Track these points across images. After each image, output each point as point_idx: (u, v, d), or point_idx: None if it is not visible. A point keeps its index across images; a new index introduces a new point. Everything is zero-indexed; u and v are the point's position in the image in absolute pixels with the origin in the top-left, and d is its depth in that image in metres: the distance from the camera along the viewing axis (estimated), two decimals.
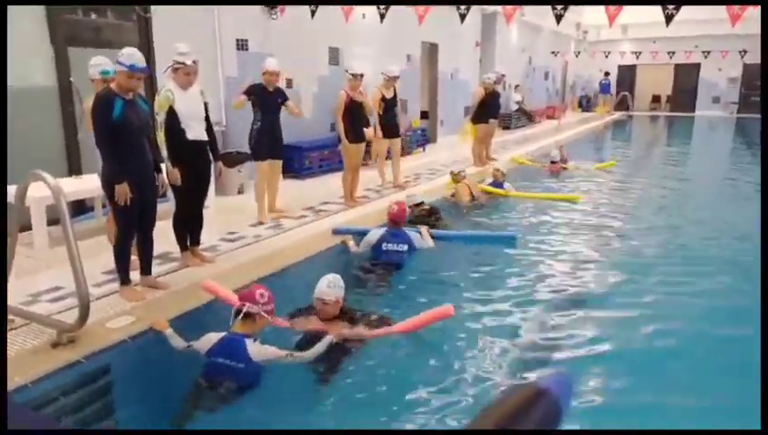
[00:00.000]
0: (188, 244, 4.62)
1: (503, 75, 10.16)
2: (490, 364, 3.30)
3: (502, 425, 0.90)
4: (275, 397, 2.94)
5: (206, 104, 4.47)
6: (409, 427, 2.75)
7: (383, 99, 7.51)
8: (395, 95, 7.65)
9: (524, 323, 3.85)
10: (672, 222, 6.63)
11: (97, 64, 4.51)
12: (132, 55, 3.66)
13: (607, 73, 23.72)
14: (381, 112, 7.54)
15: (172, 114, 4.24)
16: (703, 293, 4.37)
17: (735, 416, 2.66)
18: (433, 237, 5.23)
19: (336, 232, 5.61)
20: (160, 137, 4.19)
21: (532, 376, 3.14)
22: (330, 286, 3.46)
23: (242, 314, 3.02)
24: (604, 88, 23.63)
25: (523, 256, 5.25)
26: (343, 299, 3.54)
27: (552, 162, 9.83)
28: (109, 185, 3.74)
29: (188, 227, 4.60)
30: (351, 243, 5.23)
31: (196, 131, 4.37)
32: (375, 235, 4.88)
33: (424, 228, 5.21)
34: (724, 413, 2.77)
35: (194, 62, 4.28)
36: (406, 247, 4.80)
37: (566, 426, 0.99)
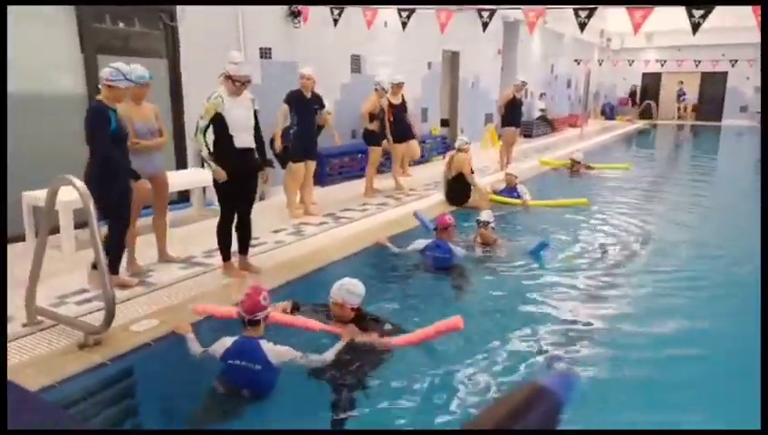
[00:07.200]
0: (230, 253, 4.56)
1: (524, 83, 10.23)
2: (490, 365, 3.30)
3: (502, 424, 0.90)
4: (289, 402, 2.95)
5: (255, 112, 4.46)
6: (409, 426, 2.74)
7: (391, 105, 7.72)
8: (403, 102, 7.97)
9: (527, 327, 3.85)
10: (693, 231, 6.53)
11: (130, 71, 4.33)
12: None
13: None
14: (392, 119, 7.80)
15: (220, 120, 4.23)
16: (706, 295, 4.44)
17: (735, 416, 2.65)
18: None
19: (416, 215, 6.17)
20: (199, 139, 4.24)
21: (533, 376, 3.14)
22: (339, 290, 3.49)
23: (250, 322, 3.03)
24: None
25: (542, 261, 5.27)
26: (357, 306, 3.52)
27: (577, 162, 10.41)
28: (106, 189, 3.87)
29: (237, 234, 4.57)
30: (389, 244, 5.34)
31: (243, 139, 4.35)
32: (422, 242, 5.17)
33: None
34: (724, 413, 2.76)
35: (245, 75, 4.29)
36: (448, 255, 5.05)
37: (566, 426, 0.99)
